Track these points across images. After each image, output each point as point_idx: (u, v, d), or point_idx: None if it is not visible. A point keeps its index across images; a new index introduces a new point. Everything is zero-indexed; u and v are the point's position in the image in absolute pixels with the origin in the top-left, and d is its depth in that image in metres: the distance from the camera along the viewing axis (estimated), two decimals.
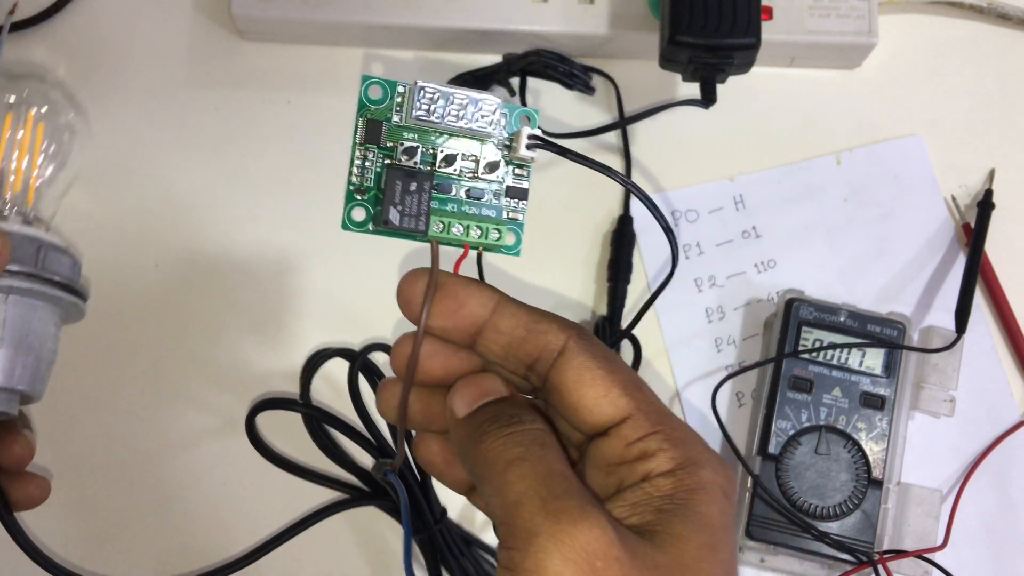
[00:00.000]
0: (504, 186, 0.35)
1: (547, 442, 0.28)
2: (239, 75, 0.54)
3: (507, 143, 0.34)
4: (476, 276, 0.33)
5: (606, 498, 0.28)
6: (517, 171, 0.35)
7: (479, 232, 0.34)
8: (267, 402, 0.48)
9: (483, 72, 0.52)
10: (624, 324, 0.50)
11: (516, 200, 0.35)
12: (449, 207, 0.34)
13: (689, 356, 0.51)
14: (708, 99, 0.48)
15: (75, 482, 0.49)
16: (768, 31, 0.49)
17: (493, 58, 0.53)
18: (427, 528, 0.45)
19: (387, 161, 0.33)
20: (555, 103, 0.53)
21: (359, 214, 0.35)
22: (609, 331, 0.50)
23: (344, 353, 0.48)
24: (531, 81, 0.52)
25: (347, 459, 0.48)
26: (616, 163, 0.53)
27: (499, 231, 0.34)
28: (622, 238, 0.51)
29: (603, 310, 0.51)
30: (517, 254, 0.34)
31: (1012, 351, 0.51)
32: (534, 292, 0.51)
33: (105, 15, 0.54)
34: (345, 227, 0.35)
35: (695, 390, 0.51)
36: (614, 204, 0.53)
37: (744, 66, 0.48)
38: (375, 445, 0.47)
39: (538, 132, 0.33)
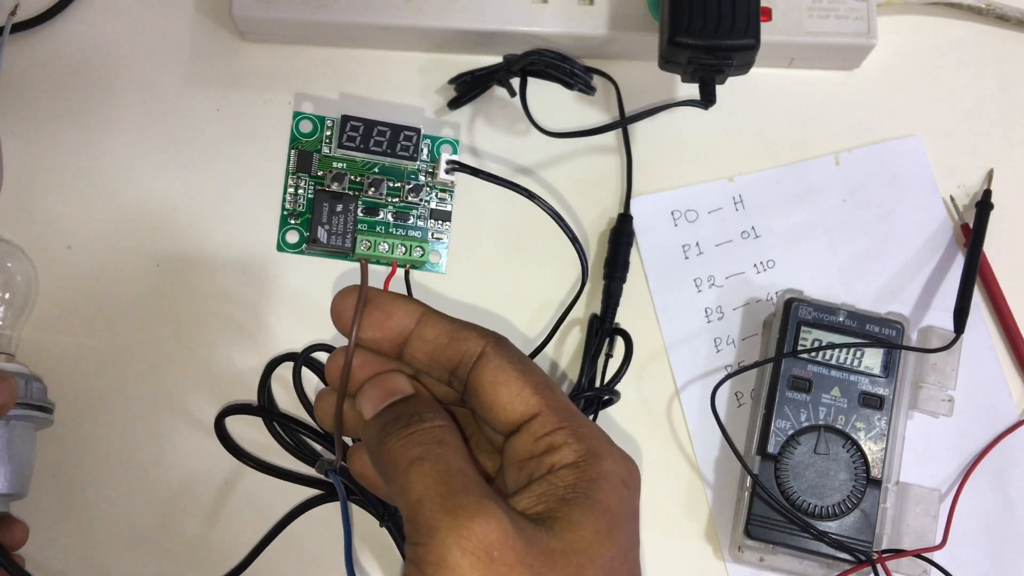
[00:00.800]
0: (429, 208, 0.36)
1: (446, 439, 0.30)
2: (240, 76, 0.54)
3: (430, 169, 0.35)
4: (405, 292, 0.34)
5: (517, 491, 0.29)
6: (440, 194, 0.36)
7: (404, 250, 0.36)
8: (232, 407, 0.49)
9: (483, 72, 0.53)
10: (617, 324, 0.51)
11: (440, 221, 0.37)
12: (377, 228, 0.36)
13: (688, 356, 0.51)
14: (707, 100, 0.48)
15: (72, 488, 0.49)
16: (767, 32, 0.49)
17: (493, 59, 0.53)
18: (389, 512, 0.46)
19: (317, 188, 0.35)
20: (555, 103, 0.53)
21: (292, 236, 0.37)
22: (600, 327, 0.50)
23: (290, 356, 0.48)
24: (531, 81, 0.52)
25: (314, 458, 0.48)
26: (617, 163, 0.53)
27: (423, 249, 0.36)
28: (620, 236, 0.51)
29: (597, 301, 0.51)
30: (443, 272, 0.36)
31: (1010, 351, 0.52)
32: (531, 290, 0.51)
33: (106, 16, 0.55)
34: (280, 249, 0.39)
35: (694, 390, 0.51)
36: (609, 204, 0.53)
37: (743, 67, 0.48)
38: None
39: (455, 157, 0.36)
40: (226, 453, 0.49)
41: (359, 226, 0.35)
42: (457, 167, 0.35)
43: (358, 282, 0.32)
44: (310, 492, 0.49)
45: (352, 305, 0.32)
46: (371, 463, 0.31)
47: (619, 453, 0.30)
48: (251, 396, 0.50)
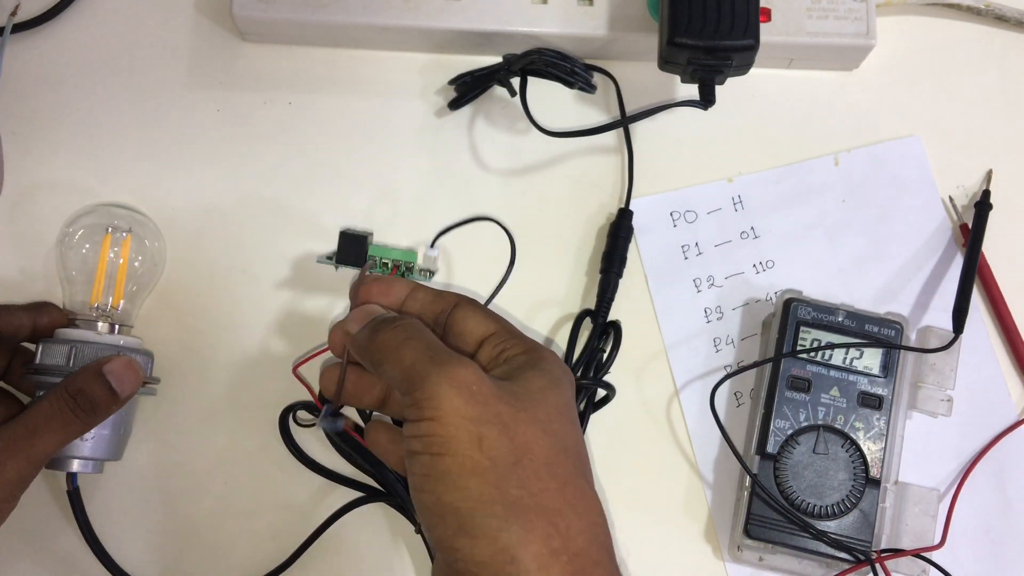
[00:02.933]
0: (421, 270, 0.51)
1: (424, 328, 0.39)
2: (240, 76, 0.54)
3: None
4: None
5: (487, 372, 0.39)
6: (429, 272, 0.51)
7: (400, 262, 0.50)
8: (292, 405, 0.50)
9: (483, 72, 0.53)
10: (611, 318, 0.51)
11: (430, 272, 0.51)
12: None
13: (688, 356, 0.51)
14: (707, 100, 0.48)
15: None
16: (766, 33, 0.49)
17: (493, 59, 0.53)
18: (417, 527, 0.47)
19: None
20: (555, 103, 0.54)
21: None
22: (594, 320, 0.50)
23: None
24: (531, 81, 0.52)
25: (361, 460, 0.49)
26: (616, 162, 0.54)
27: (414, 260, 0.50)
28: (619, 231, 0.51)
29: (593, 300, 0.51)
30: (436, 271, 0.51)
31: (1009, 351, 0.52)
32: (528, 283, 0.52)
33: (107, 16, 0.55)
34: (319, 260, 0.51)
35: (694, 390, 0.51)
36: (608, 201, 0.53)
37: (743, 67, 0.48)
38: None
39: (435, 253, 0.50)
40: (280, 452, 0.49)
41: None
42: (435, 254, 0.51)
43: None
44: (353, 494, 0.49)
45: (371, 287, 0.42)
46: (365, 363, 0.39)
47: (556, 355, 0.41)
48: (267, 403, 0.50)
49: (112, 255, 0.49)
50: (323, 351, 0.50)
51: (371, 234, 0.50)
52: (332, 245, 0.52)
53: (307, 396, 0.50)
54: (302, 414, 0.50)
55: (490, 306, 0.48)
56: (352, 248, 0.49)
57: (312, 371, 0.50)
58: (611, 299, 0.51)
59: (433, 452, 0.35)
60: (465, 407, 0.35)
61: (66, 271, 0.49)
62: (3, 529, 0.48)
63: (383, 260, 0.49)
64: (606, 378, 0.49)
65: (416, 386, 0.36)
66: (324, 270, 0.52)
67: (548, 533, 0.34)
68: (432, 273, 0.50)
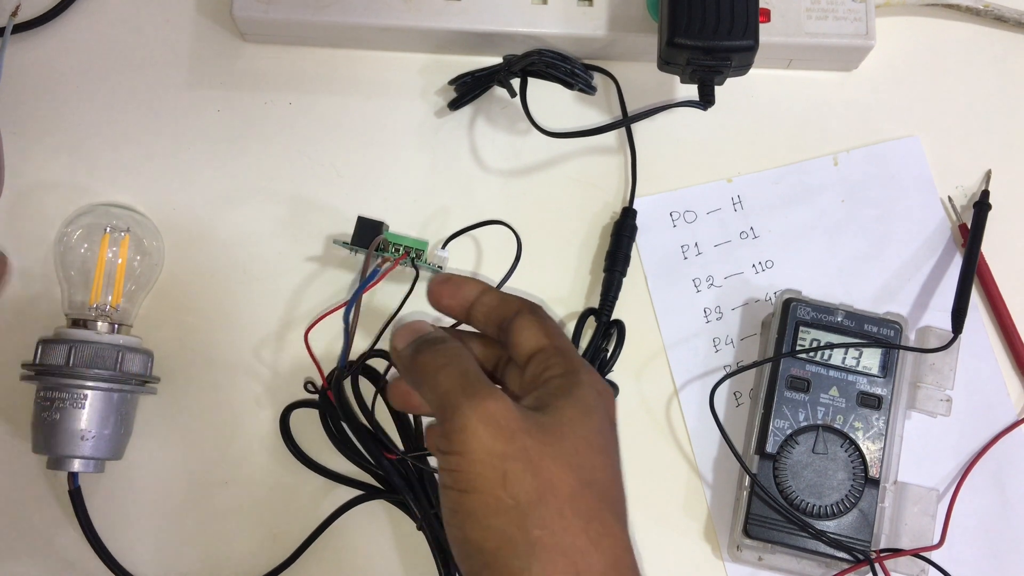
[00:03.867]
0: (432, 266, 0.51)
1: (464, 353, 0.39)
2: (240, 77, 0.54)
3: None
4: (413, 274, 0.49)
5: (522, 398, 0.39)
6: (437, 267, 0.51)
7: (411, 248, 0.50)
8: (294, 403, 0.50)
9: (483, 73, 0.53)
10: (610, 317, 0.51)
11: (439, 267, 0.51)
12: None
13: (687, 356, 0.51)
14: (706, 100, 0.48)
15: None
16: (766, 33, 0.50)
17: (493, 60, 0.53)
18: (426, 515, 0.46)
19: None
20: (555, 103, 0.54)
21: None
22: (598, 319, 0.50)
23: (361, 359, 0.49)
24: (531, 81, 0.52)
25: (360, 457, 0.49)
26: (617, 162, 0.54)
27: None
28: (623, 230, 0.51)
29: (596, 300, 0.51)
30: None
31: (1008, 351, 0.52)
32: (531, 282, 0.52)
33: (107, 17, 0.55)
34: (335, 243, 0.51)
35: (693, 389, 0.51)
36: (610, 200, 0.53)
37: (742, 68, 0.48)
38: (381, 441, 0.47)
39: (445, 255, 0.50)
40: (280, 452, 0.49)
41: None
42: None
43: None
44: (353, 492, 0.49)
45: (442, 286, 0.42)
46: (407, 379, 0.40)
47: (597, 375, 0.40)
48: (263, 405, 0.50)
49: (111, 255, 0.49)
50: (333, 311, 0.50)
51: (386, 224, 0.51)
52: (331, 245, 0.52)
53: (306, 396, 0.50)
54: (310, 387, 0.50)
55: None
56: (368, 232, 0.50)
57: (319, 337, 0.50)
58: (615, 298, 0.51)
59: (460, 488, 0.35)
60: (492, 443, 0.35)
61: (65, 271, 0.50)
62: (3, 529, 0.49)
63: (395, 245, 0.49)
64: (609, 377, 0.49)
65: (447, 416, 0.36)
66: (324, 270, 0.52)
67: (568, 573, 0.34)
68: (440, 268, 0.50)
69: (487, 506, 0.35)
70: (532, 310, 0.41)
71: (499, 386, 0.39)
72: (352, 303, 0.48)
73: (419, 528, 0.47)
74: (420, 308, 0.51)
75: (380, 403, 0.49)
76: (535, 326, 0.40)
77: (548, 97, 0.53)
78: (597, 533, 0.36)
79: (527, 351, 0.40)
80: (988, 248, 0.52)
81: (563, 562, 0.35)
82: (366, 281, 0.49)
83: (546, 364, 0.39)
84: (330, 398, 0.48)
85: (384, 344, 0.50)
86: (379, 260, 0.49)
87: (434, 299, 0.42)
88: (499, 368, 0.42)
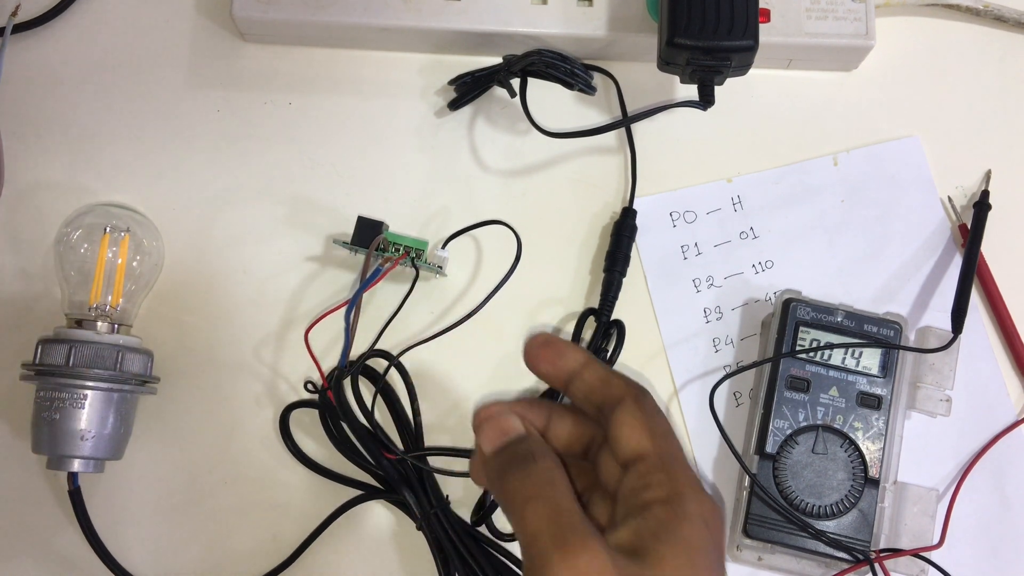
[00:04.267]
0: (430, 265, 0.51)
1: (556, 480, 0.35)
2: (240, 77, 0.54)
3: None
4: (413, 274, 0.49)
5: (618, 524, 0.35)
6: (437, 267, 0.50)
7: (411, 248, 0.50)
8: (294, 403, 0.50)
9: (483, 73, 0.53)
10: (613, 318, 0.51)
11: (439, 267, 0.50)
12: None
13: (687, 356, 0.51)
14: (706, 101, 0.48)
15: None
16: (766, 33, 0.50)
17: (493, 60, 0.53)
18: (426, 515, 0.46)
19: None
20: (555, 103, 0.54)
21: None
22: (598, 319, 0.50)
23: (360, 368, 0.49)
24: (531, 81, 0.52)
25: (360, 457, 0.49)
26: (616, 162, 0.54)
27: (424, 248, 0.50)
28: (623, 230, 0.51)
29: (595, 300, 0.51)
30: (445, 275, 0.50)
31: (1008, 351, 0.52)
32: (531, 282, 0.52)
33: (107, 17, 0.55)
34: (335, 242, 0.51)
35: (693, 390, 0.51)
36: (610, 201, 0.53)
37: (742, 68, 0.48)
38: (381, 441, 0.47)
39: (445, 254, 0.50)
40: (279, 452, 0.50)
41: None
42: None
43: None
44: (353, 492, 0.49)
45: (542, 350, 0.38)
46: (493, 495, 0.37)
47: (705, 496, 0.35)
48: (264, 406, 0.50)
49: (111, 255, 0.49)
50: (333, 310, 0.49)
51: (386, 224, 0.51)
52: (331, 245, 0.52)
53: (306, 396, 0.50)
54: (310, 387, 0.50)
55: (491, 305, 0.48)
56: (368, 232, 0.49)
57: (319, 337, 0.50)
58: (615, 298, 0.51)
59: None
60: None
61: (64, 271, 0.50)
62: (3, 529, 0.49)
63: (395, 245, 0.49)
64: None
65: (535, 564, 0.33)
66: (324, 270, 0.52)
67: None
68: (440, 268, 0.50)
69: None
70: (637, 400, 0.37)
71: (593, 526, 0.34)
72: (353, 303, 0.48)
73: (419, 528, 0.47)
74: (420, 308, 0.51)
75: (380, 403, 0.49)
76: (639, 424, 0.36)
77: (548, 97, 0.53)
78: None
79: (626, 454, 0.36)
80: (988, 248, 0.52)
81: None
82: (368, 280, 0.49)
83: (647, 480, 0.35)
84: (330, 398, 0.48)
85: (384, 344, 0.50)
86: (381, 260, 0.49)
87: (531, 362, 0.39)
88: (593, 448, 0.38)
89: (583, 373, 0.38)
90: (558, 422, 0.38)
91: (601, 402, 0.37)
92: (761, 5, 0.50)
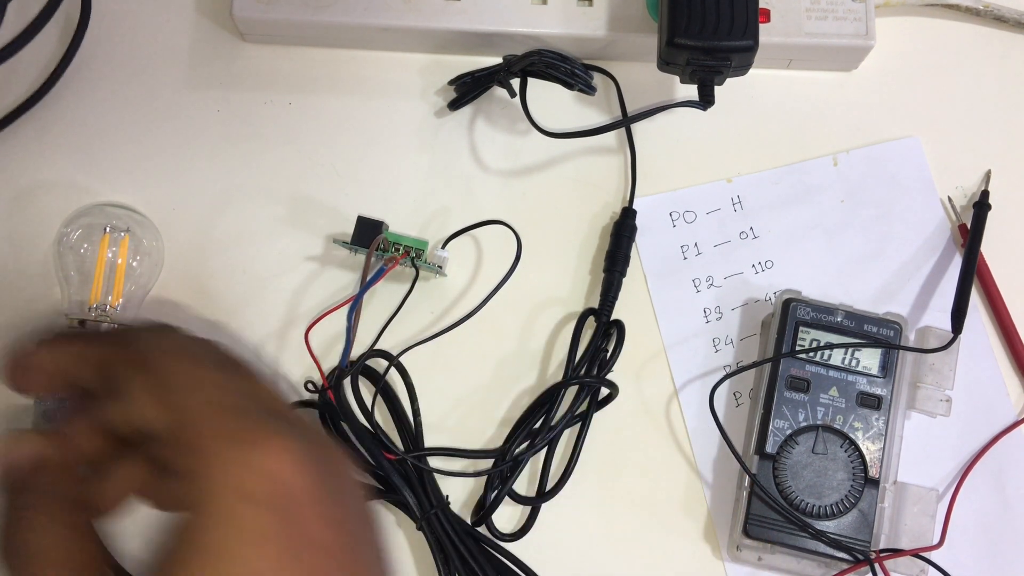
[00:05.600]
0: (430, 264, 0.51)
1: (37, 523, 0.27)
2: (240, 77, 0.54)
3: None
4: (412, 274, 0.49)
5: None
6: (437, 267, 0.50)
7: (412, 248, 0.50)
8: (295, 403, 0.50)
9: (483, 73, 0.53)
10: (613, 318, 0.51)
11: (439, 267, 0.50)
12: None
13: (687, 356, 0.51)
14: (706, 101, 0.48)
15: None
16: (766, 33, 0.50)
17: (493, 60, 0.53)
18: (426, 515, 0.46)
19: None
20: (555, 103, 0.54)
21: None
22: (598, 319, 0.50)
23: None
24: (531, 81, 0.52)
25: (360, 457, 0.48)
26: (617, 162, 0.54)
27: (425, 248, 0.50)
28: (623, 230, 0.51)
29: (595, 300, 0.51)
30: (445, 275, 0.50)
31: (1008, 351, 0.52)
32: (530, 283, 0.52)
33: (107, 17, 0.55)
34: (335, 243, 0.51)
35: (693, 390, 0.51)
36: (611, 201, 0.53)
37: (742, 68, 0.48)
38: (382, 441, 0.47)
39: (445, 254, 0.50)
40: None
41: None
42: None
43: None
44: None
45: (12, 375, 0.29)
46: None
47: (236, 450, 0.24)
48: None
49: (111, 255, 0.49)
50: (334, 310, 0.50)
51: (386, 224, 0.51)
52: (331, 245, 0.52)
53: (306, 396, 0.50)
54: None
55: (491, 305, 0.48)
56: (368, 232, 0.49)
57: (319, 337, 0.50)
58: (615, 298, 0.51)
59: None
60: None
61: (64, 271, 0.50)
62: None
63: (395, 244, 0.49)
64: (609, 376, 0.49)
65: None
66: (324, 270, 0.52)
67: None
68: (440, 268, 0.50)
69: None
70: (144, 365, 0.26)
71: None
72: (356, 303, 0.48)
73: (419, 528, 0.47)
74: (420, 308, 0.51)
75: (380, 403, 0.49)
76: (145, 393, 0.26)
77: (548, 97, 0.53)
78: None
79: (141, 438, 0.26)
80: (988, 248, 0.52)
81: None
82: (371, 280, 0.49)
83: (163, 464, 0.26)
84: (331, 398, 0.48)
85: (384, 344, 0.50)
86: (384, 259, 0.49)
87: (14, 385, 0.29)
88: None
89: (72, 363, 0.28)
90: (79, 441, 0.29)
91: (108, 380, 0.27)
92: (761, 5, 0.50)
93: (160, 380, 0.26)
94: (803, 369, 0.48)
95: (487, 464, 0.49)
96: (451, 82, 0.53)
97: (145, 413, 0.26)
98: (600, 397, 0.50)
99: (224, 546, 0.23)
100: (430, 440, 0.50)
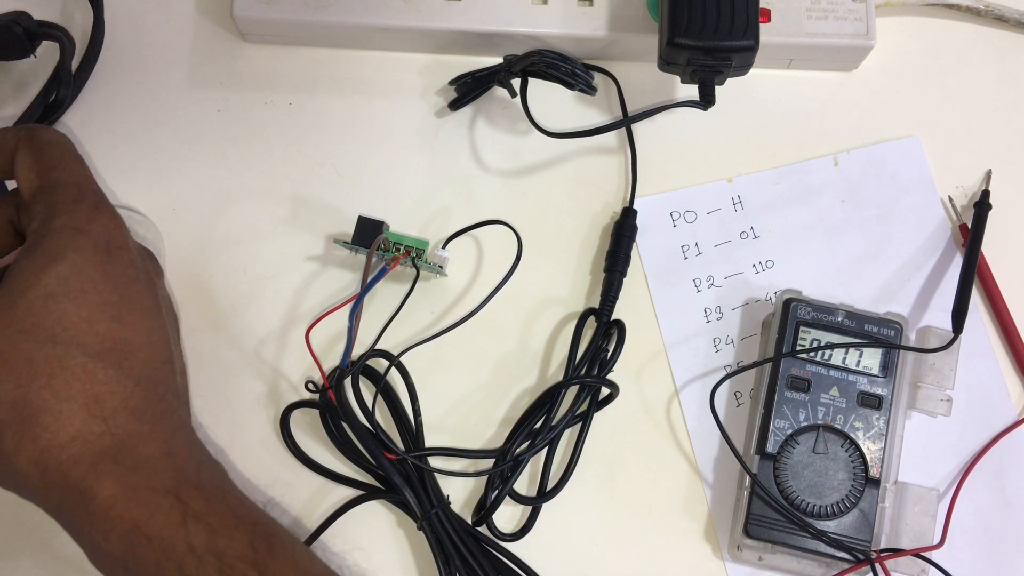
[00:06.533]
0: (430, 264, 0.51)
1: None
2: (241, 77, 0.54)
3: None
4: (413, 273, 0.50)
5: None
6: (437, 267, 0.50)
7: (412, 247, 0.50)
8: (295, 403, 0.50)
9: (483, 73, 0.53)
10: (614, 318, 0.51)
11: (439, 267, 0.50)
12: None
13: (687, 356, 0.51)
14: (707, 101, 0.48)
15: None
16: (766, 33, 0.50)
17: (494, 60, 0.53)
18: (426, 515, 0.46)
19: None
20: (556, 103, 0.54)
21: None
22: (596, 319, 0.50)
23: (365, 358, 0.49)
24: (532, 81, 0.52)
25: (360, 457, 0.49)
26: (617, 161, 0.54)
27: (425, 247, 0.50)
28: (623, 230, 0.51)
29: (596, 300, 0.51)
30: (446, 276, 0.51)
31: (1009, 351, 0.52)
32: (531, 283, 0.52)
33: (107, 17, 0.55)
34: (335, 242, 0.52)
35: (693, 390, 0.51)
36: (611, 201, 0.53)
37: (742, 68, 0.48)
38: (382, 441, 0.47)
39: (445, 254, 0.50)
40: (280, 452, 0.49)
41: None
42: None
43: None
44: (354, 492, 0.49)
45: None
46: None
47: (80, 208, 0.35)
48: (264, 408, 0.50)
49: None
50: (334, 310, 0.50)
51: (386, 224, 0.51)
52: (331, 245, 0.52)
53: (306, 396, 0.50)
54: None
55: (491, 305, 0.48)
56: (368, 231, 0.49)
57: (319, 337, 0.50)
58: (615, 298, 0.51)
59: None
60: None
61: None
62: (3, 529, 0.49)
63: (395, 244, 0.49)
64: (609, 376, 0.49)
65: None
66: (324, 270, 0.52)
67: (33, 432, 0.33)
68: (440, 268, 0.50)
69: None
70: (29, 141, 0.37)
71: None
72: (358, 303, 0.48)
73: (419, 528, 0.47)
74: (421, 308, 0.51)
75: (380, 403, 0.49)
76: (29, 165, 0.36)
77: (548, 97, 0.53)
78: (67, 382, 0.33)
79: (27, 199, 0.36)
80: (988, 248, 0.52)
81: (25, 429, 0.33)
82: (373, 280, 0.49)
83: (31, 215, 0.35)
84: (331, 398, 0.48)
85: (384, 344, 0.50)
86: (387, 259, 0.49)
87: None
88: None
89: None
90: None
91: (7, 161, 0.37)
92: (761, 5, 0.50)
93: (38, 157, 0.35)
94: (804, 369, 0.48)
95: (488, 464, 0.49)
96: (451, 82, 0.53)
97: (28, 177, 0.35)
98: (601, 397, 0.50)
99: (54, 250, 0.34)
100: (430, 440, 0.50)
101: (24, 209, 0.36)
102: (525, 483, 0.49)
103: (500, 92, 0.53)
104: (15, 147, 0.36)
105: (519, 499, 0.48)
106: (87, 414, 0.34)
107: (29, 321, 0.33)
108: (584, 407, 0.49)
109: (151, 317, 0.36)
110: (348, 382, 0.48)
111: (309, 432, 0.50)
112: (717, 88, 0.48)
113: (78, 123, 0.53)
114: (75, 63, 0.52)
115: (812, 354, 0.48)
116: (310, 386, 0.50)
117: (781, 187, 0.54)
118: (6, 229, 0.38)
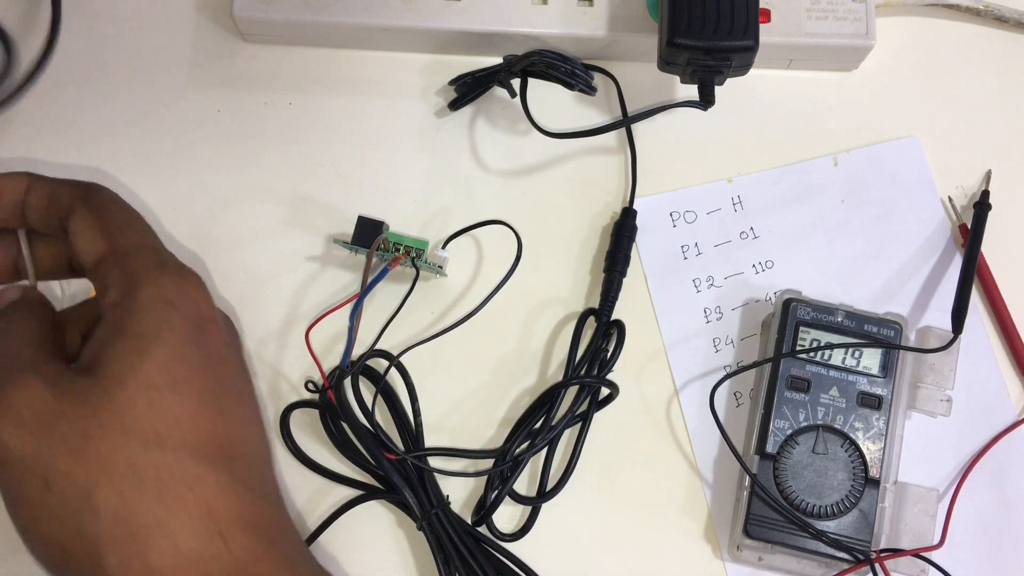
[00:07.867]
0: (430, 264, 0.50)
1: (13, 329, 0.32)
2: (241, 77, 0.54)
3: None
4: (414, 273, 0.49)
5: (85, 347, 0.32)
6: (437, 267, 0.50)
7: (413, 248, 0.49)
8: (295, 403, 0.50)
9: (483, 73, 0.53)
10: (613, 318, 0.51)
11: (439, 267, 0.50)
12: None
13: (687, 356, 0.51)
14: (706, 101, 0.48)
15: None
16: (766, 33, 0.50)
17: (494, 60, 0.53)
18: (426, 515, 0.46)
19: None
20: (556, 103, 0.54)
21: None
22: (596, 320, 0.50)
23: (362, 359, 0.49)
24: (531, 82, 0.52)
25: (360, 457, 0.49)
26: (617, 161, 0.54)
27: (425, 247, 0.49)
28: (623, 230, 0.51)
29: (595, 300, 0.51)
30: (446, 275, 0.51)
31: (1008, 351, 0.52)
32: (531, 283, 0.52)
33: (107, 17, 0.55)
34: (335, 242, 0.51)
35: (693, 390, 0.51)
36: (611, 201, 0.53)
37: (742, 68, 0.48)
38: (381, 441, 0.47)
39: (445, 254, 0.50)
40: (279, 452, 0.49)
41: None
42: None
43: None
44: (354, 492, 0.49)
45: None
46: None
47: (166, 277, 0.32)
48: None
49: None
50: (334, 310, 0.50)
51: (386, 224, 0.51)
52: (331, 245, 0.52)
53: (306, 396, 0.50)
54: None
55: (491, 305, 0.48)
56: (368, 231, 0.49)
57: (318, 337, 0.50)
58: (615, 298, 0.51)
59: (7, 503, 0.31)
60: (21, 445, 0.29)
61: None
62: (3, 528, 0.48)
63: (395, 244, 0.49)
64: (609, 376, 0.49)
65: None
66: (324, 270, 0.52)
67: (142, 552, 0.29)
68: (440, 268, 0.50)
69: (40, 519, 0.31)
70: (87, 202, 0.33)
71: (60, 353, 0.32)
72: (359, 302, 0.48)
73: (419, 528, 0.47)
74: (420, 308, 0.51)
75: (380, 403, 0.49)
76: (89, 226, 0.32)
77: (548, 97, 0.53)
78: (177, 493, 0.29)
79: (88, 263, 0.32)
80: (988, 248, 0.52)
81: (132, 548, 0.29)
82: (374, 280, 0.49)
83: (105, 283, 0.32)
84: (331, 398, 0.48)
85: (384, 344, 0.50)
86: (389, 259, 0.49)
87: None
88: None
89: (30, 199, 0.34)
90: (38, 252, 0.35)
91: (59, 218, 0.34)
92: (761, 5, 0.50)
93: (104, 219, 0.32)
94: (803, 369, 0.48)
95: (487, 464, 0.49)
96: (451, 82, 0.53)
97: (93, 240, 0.32)
98: (600, 397, 0.50)
99: (149, 330, 0.30)
100: (430, 440, 0.50)
101: (91, 274, 0.33)
102: (525, 483, 0.49)
103: (500, 92, 0.53)
104: (69, 206, 0.33)
105: (519, 499, 0.48)
106: (204, 531, 0.30)
107: (131, 419, 0.30)
108: (584, 407, 0.49)
109: (249, 405, 0.33)
110: (348, 382, 0.48)
111: (309, 432, 0.50)
112: (717, 88, 0.48)
113: (78, 122, 0.53)
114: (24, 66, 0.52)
115: (812, 354, 0.48)
116: (310, 386, 0.50)
117: (781, 187, 0.54)
118: (63, 266, 0.36)
